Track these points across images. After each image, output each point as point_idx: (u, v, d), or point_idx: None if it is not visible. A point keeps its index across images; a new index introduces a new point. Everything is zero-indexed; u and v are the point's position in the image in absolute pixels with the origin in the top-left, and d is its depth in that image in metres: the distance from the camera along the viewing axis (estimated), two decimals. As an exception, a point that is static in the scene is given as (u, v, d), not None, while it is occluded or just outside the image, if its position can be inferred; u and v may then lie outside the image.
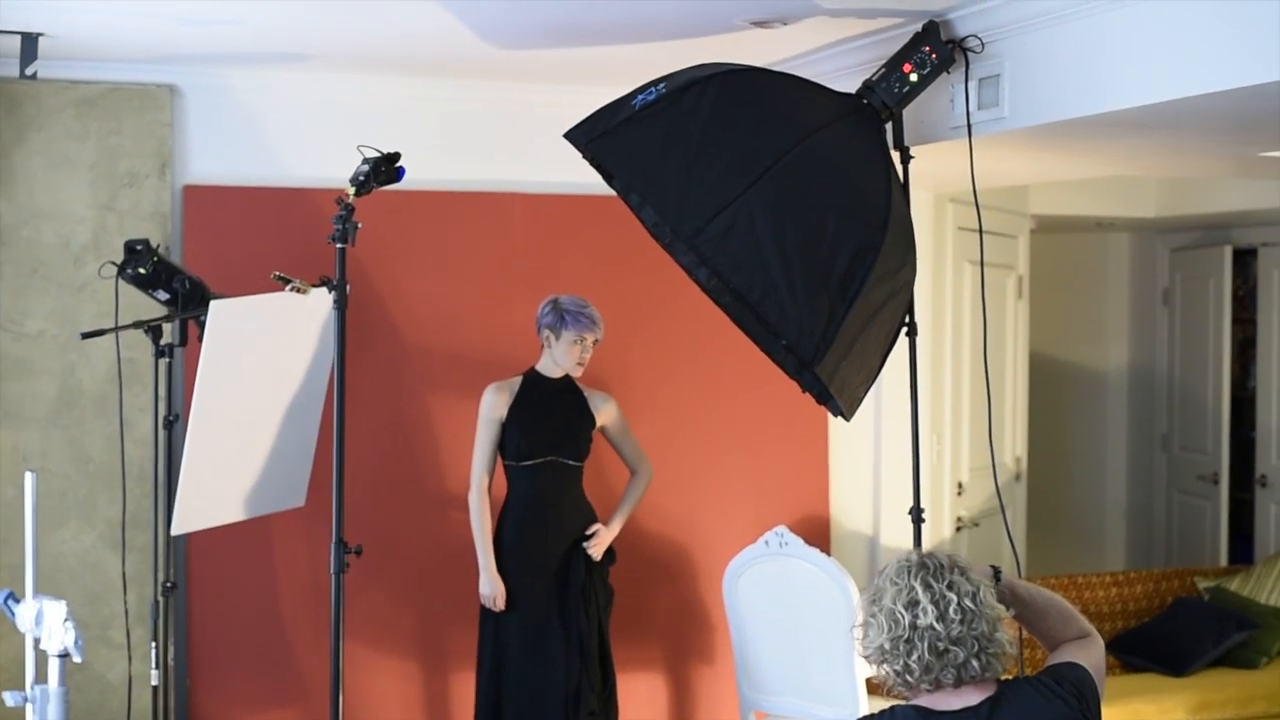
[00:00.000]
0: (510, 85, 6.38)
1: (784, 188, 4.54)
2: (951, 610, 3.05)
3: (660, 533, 6.51)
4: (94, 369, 5.93)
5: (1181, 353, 9.65)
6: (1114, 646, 7.39)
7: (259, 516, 5.68)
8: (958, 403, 7.45)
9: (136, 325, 5.33)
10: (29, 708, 2.41)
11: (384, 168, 4.89)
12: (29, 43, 5.29)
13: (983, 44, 4.92)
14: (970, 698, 3.07)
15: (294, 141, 6.24)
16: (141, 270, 5.26)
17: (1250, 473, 9.24)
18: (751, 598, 5.97)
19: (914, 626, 3.05)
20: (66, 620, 2.37)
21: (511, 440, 5.76)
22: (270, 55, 5.86)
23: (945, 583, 3.08)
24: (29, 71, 5.34)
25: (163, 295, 5.34)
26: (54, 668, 2.37)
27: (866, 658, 3.16)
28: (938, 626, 3.04)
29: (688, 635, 6.61)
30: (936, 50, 4.91)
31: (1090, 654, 3.29)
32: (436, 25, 5.21)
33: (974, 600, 3.08)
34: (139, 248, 5.27)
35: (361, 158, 4.87)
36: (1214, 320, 9.22)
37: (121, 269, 5.27)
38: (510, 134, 6.48)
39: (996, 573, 3.29)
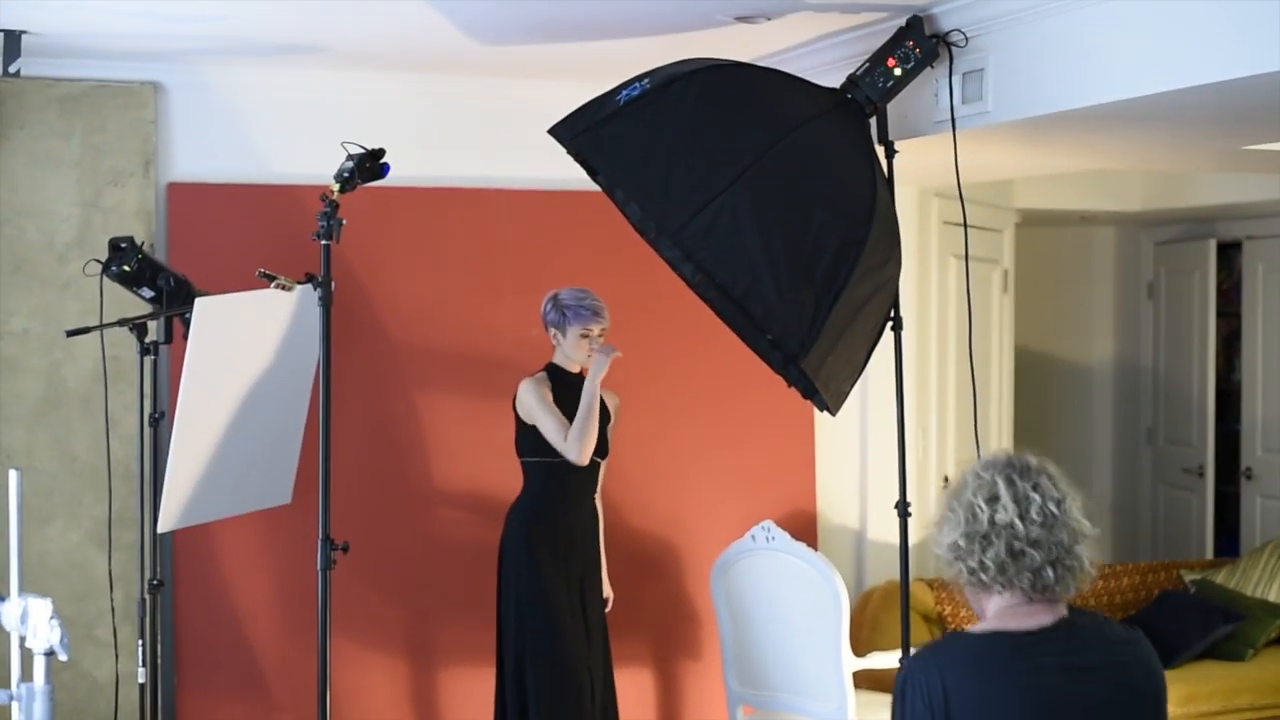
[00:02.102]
0: (495, 81, 6.38)
1: (768, 182, 4.55)
2: (1034, 511, 2.95)
3: (647, 528, 6.51)
4: (79, 367, 5.92)
5: (1166, 346, 9.67)
6: (1100, 639, 7.40)
7: (245, 514, 5.68)
8: (943, 397, 7.46)
9: (121, 323, 5.32)
10: (14, 706, 2.41)
11: (368, 164, 4.88)
12: (12, 40, 5.29)
13: (966, 38, 4.93)
14: (1043, 618, 2.97)
15: (278, 138, 6.23)
16: (126, 268, 5.25)
17: (1235, 465, 9.26)
18: (739, 592, 5.98)
19: (992, 522, 2.95)
20: (52, 618, 2.37)
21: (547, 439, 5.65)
22: (254, 52, 5.85)
23: (1031, 483, 2.98)
24: (12, 69, 5.33)
25: (147, 293, 5.33)
26: (40, 666, 2.37)
27: (939, 554, 3.06)
28: (1017, 524, 2.94)
29: (675, 630, 6.62)
30: (920, 45, 4.92)
31: None
32: (421, 21, 5.21)
33: (1058, 506, 2.97)
34: (123, 245, 5.26)
35: (346, 154, 4.87)
36: (1199, 314, 9.25)
37: (106, 266, 5.26)
38: (495, 130, 6.48)
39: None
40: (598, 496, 5.85)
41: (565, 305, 5.66)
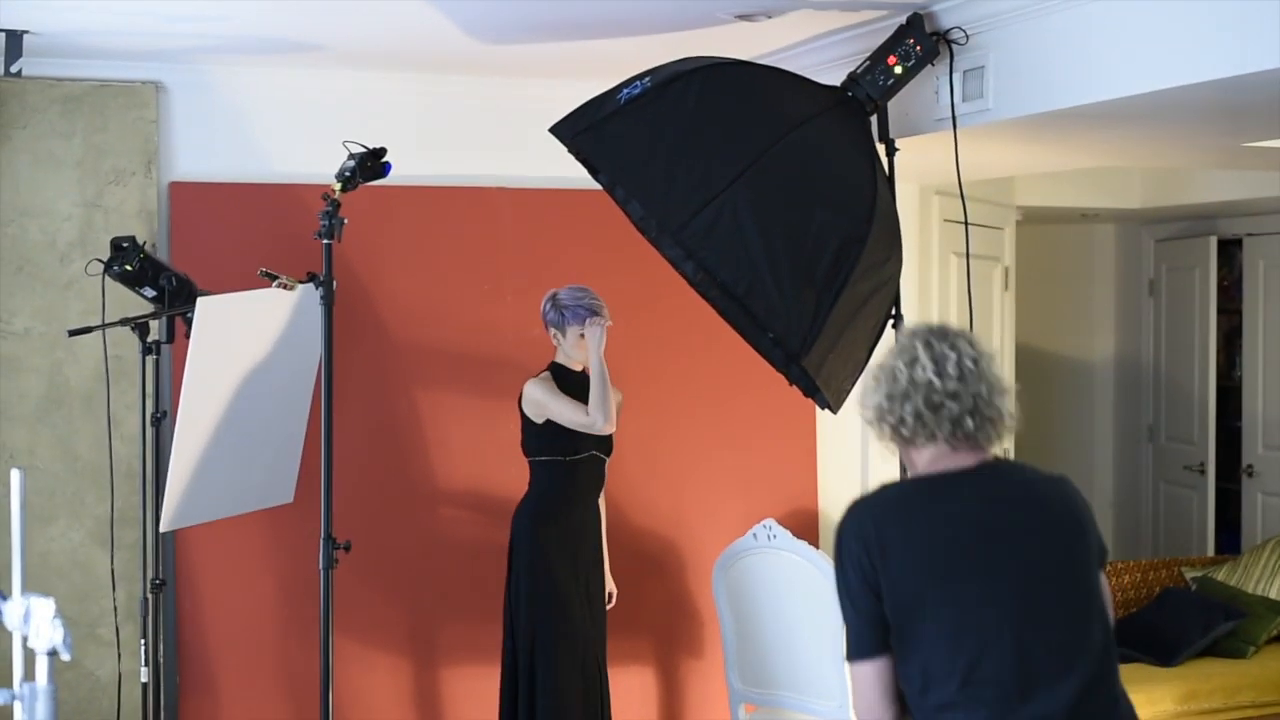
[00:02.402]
0: (496, 80, 6.38)
1: (769, 181, 4.55)
2: (950, 367, 3.12)
3: (649, 527, 6.52)
4: (81, 366, 5.93)
5: (1167, 343, 9.67)
6: (1102, 637, 7.41)
7: (247, 513, 5.68)
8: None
9: (123, 322, 5.33)
10: (17, 705, 2.41)
11: (370, 163, 4.89)
12: (14, 40, 5.29)
13: (967, 36, 4.93)
14: (967, 462, 3.15)
15: (280, 137, 6.23)
16: (128, 267, 5.26)
17: (1237, 462, 9.25)
18: (740, 591, 5.98)
19: (911, 381, 3.13)
20: (54, 618, 2.37)
21: (559, 436, 5.62)
22: (256, 51, 5.86)
23: (948, 344, 3.15)
24: (14, 69, 5.33)
25: (149, 292, 5.34)
26: (42, 666, 2.37)
27: (866, 419, 3.22)
28: (935, 381, 3.11)
29: (677, 629, 6.62)
30: (921, 43, 4.93)
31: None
32: (422, 20, 5.21)
33: (975, 363, 3.14)
34: (125, 245, 5.27)
35: (347, 153, 4.87)
36: (1199, 311, 9.24)
37: (108, 266, 5.27)
38: (496, 129, 6.48)
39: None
40: (602, 496, 5.85)
41: (564, 305, 5.65)
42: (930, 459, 3.18)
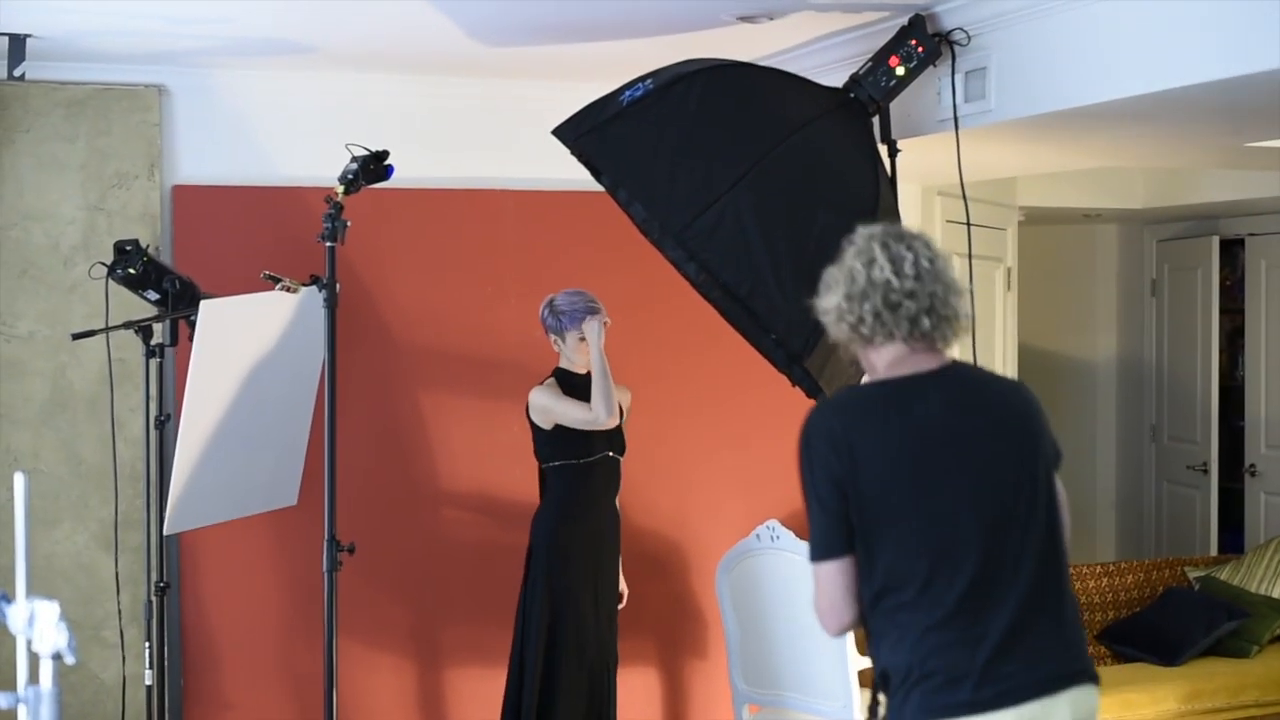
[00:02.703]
0: (498, 82, 6.39)
1: (771, 182, 4.56)
2: (907, 267, 3.18)
3: (652, 528, 6.52)
4: (85, 370, 5.93)
5: (1170, 343, 9.67)
6: (1105, 637, 7.41)
7: (251, 515, 5.69)
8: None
9: (127, 325, 5.34)
10: (21, 709, 2.42)
11: (373, 166, 4.90)
12: (17, 44, 5.30)
13: (969, 37, 4.94)
14: (927, 365, 3.23)
15: (282, 140, 6.24)
16: (131, 270, 5.26)
17: (1239, 462, 9.26)
18: (744, 591, 5.99)
19: (869, 280, 3.19)
20: (59, 621, 2.38)
21: (571, 440, 5.61)
22: (259, 54, 5.86)
23: (905, 245, 3.22)
24: (17, 73, 5.34)
25: (153, 295, 5.34)
26: (46, 669, 2.37)
27: (825, 320, 3.29)
28: (892, 280, 3.17)
29: (680, 630, 6.62)
30: (923, 44, 4.94)
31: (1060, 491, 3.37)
32: (425, 23, 5.22)
33: (931, 263, 3.21)
34: (129, 248, 5.27)
35: (350, 156, 4.88)
36: (1202, 311, 9.24)
37: (111, 269, 5.27)
38: (499, 131, 6.49)
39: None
40: (617, 497, 5.85)
41: (561, 310, 5.64)
42: (890, 360, 3.24)
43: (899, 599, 3.15)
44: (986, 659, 3.11)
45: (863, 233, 3.27)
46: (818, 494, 3.20)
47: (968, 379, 3.30)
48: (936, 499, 3.15)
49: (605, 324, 5.62)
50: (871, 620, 3.20)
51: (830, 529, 3.18)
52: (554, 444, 5.63)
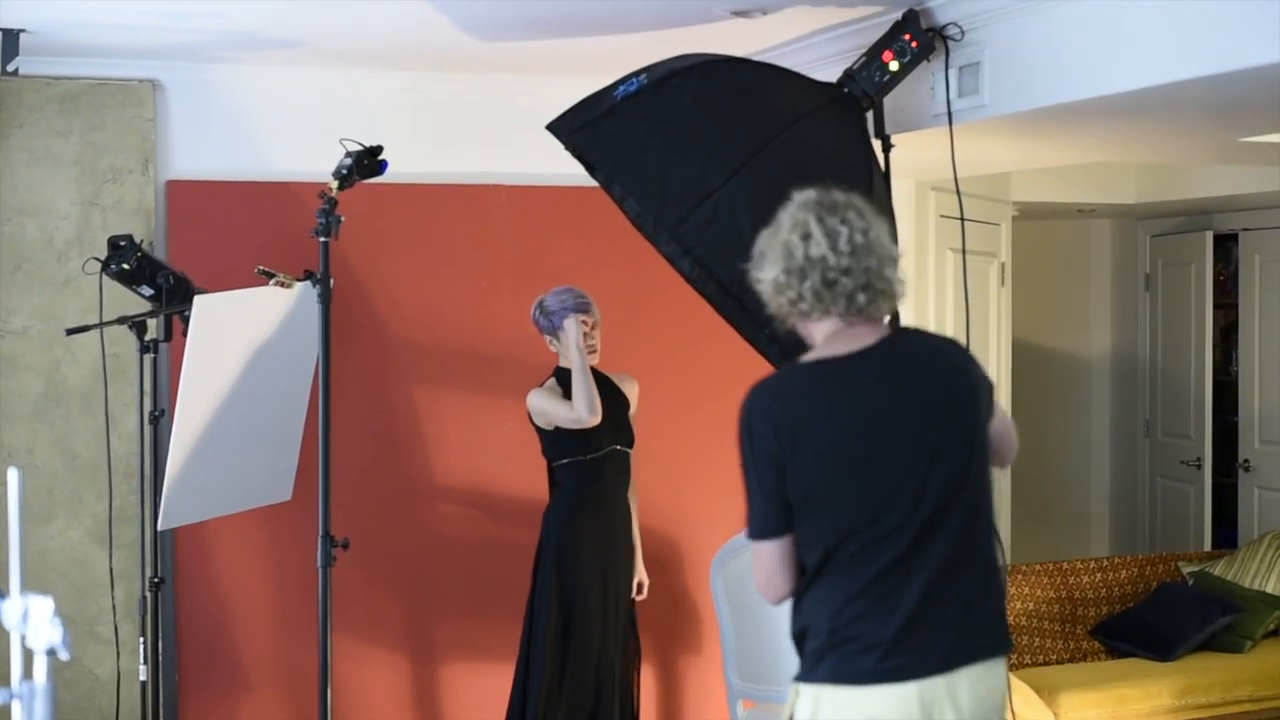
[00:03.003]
0: (492, 77, 6.39)
1: (766, 177, 4.56)
2: (842, 242, 3.22)
3: (647, 523, 6.51)
4: (79, 365, 5.93)
5: (1164, 338, 9.68)
6: (1099, 632, 7.42)
7: (246, 511, 5.69)
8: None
9: (121, 321, 5.34)
10: (16, 704, 2.42)
11: (366, 161, 4.90)
12: (10, 39, 5.29)
13: (963, 32, 4.94)
14: (866, 339, 3.28)
15: (276, 135, 6.24)
16: (125, 266, 5.26)
17: (1233, 457, 9.27)
18: (738, 587, 5.98)
19: (807, 257, 3.23)
20: (53, 616, 2.38)
21: (575, 438, 5.60)
22: (252, 49, 5.86)
23: (839, 218, 3.24)
24: (10, 68, 5.33)
25: (147, 291, 5.34)
26: (41, 664, 2.37)
27: (760, 290, 3.32)
28: (829, 256, 3.21)
29: (675, 625, 6.63)
30: (917, 38, 4.93)
31: (1000, 416, 3.48)
32: (418, 18, 5.22)
33: (865, 235, 3.24)
34: (123, 243, 5.27)
35: (344, 151, 4.88)
36: (1196, 306, 9.25)
37: (105, 265, 5.27)
38: (493, 126, 6.49)
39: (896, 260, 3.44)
40: (630, 490, 5.84)
41: (551, 310, 5.62)
42: (828, 333, 3.29)
43: (829, 568, 3.25)
44: (898, 629, 3.21)
45: (797, 200, 3.31)
46: (758, 475, 3.27)
47: (904, 352, 3.34)
48: (872, 477, 3.22)
49: (591, 321, 5.62)
50: (801, 583, 3.31)
51: (770, 509, 3.26)
52: (558, 443, 5.63)
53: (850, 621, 3.23)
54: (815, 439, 3.22)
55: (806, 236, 3.24)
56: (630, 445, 5.76)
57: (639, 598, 5.90)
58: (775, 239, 3.29)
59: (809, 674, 3.31)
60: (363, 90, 6.28)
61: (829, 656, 3.26)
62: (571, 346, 5.54)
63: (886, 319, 3.38)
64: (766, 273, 3.30)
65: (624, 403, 5.78)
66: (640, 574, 5.92)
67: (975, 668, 3.26)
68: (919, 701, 3.22)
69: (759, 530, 3.29)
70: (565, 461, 5.64)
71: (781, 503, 3.25)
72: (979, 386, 3.36)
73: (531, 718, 5.59)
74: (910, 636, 3.22)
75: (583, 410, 5.50)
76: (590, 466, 5.64)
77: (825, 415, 3.25)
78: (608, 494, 5.70)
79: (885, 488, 3.23)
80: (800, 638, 3.34)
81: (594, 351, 5.66)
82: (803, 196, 3.32)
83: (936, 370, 3.34)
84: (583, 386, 5.50)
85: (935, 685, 3.22)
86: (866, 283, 3.24)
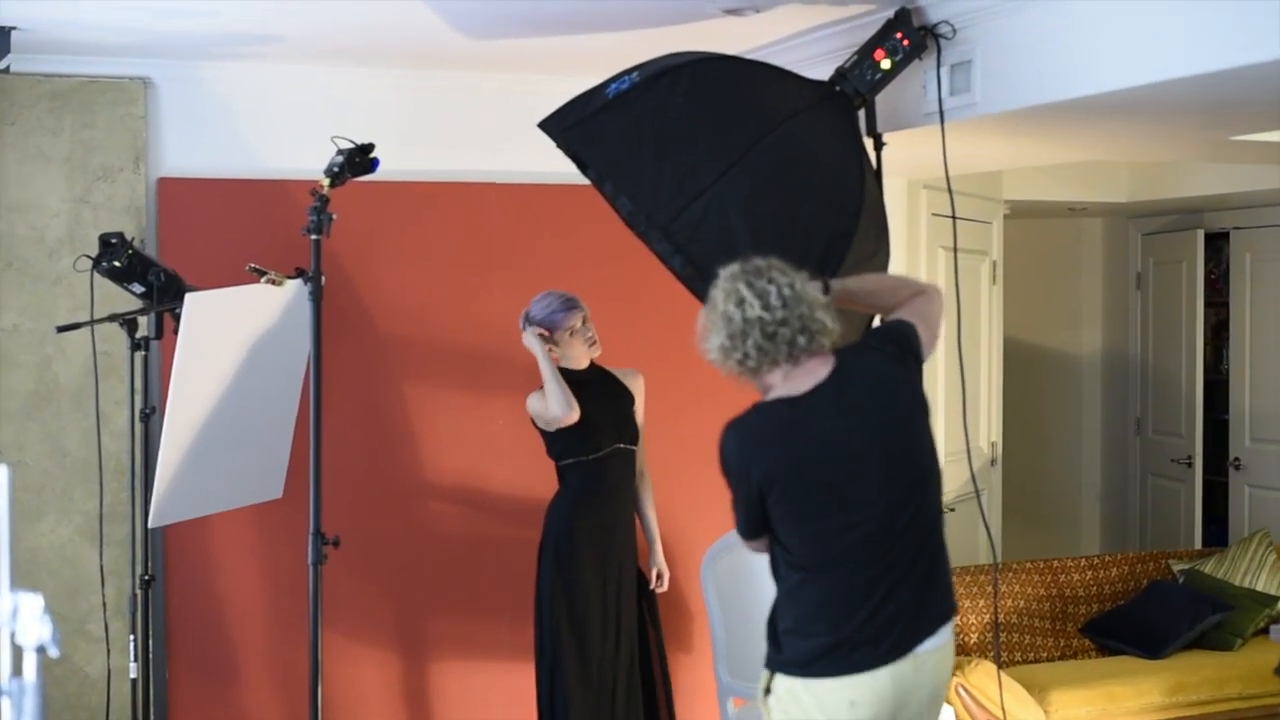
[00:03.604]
0: (484, 75, 6.38)
1: (757, 175, 4.56)
2: (773, 299, 3.65)
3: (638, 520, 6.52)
4: (70, 362, 5.93)
5: (1155, 337, 9.69)
6: (1090, 630, 7.43)
7: (237, 508, 5.68)
8: (932, 389, 7.41)
9: (112, 319, 5.33)
10: (5, 701, 2.42)
11: (358, 159, 4.89)
12: (1, 36, 5.28)
13: (954, 30, 4.94)
14: (819, 373, 3.71)
15: (268, 133, 6.23)
16: (116, 263, 5.25)
17: (1224, 456, 9.28)
18: (729, 584, 5.99)
19: (745, 319, 3.66)
20: (43, 614, 2.38)
21: (576, 438, 5.61)
22: (244, 47, 5.85)
23: (766, 279, 3.67)
24: (1, 65, 5.33)
25: (138, 288, 5.33)
26: (30, 662, 2.37)
27: (712, 359, 3.76)
28: (764, 315, 3.65)
29: (666, 622, 6.60)
30: (908, 37, 4.93)
31: (918, 306, 3.99)
32: (410, 15, 5.21)
33: (791, 289, 3.67)
34: (114, 241, 5.26)
35: (336, 149, 4.87)
36: (1187, 304, 9.26)
37: (96, 262, 5.26)
38: (484, 124, 6.48)
39: (826, 286, 3.94)
40: (642, 483, 5.85)
41: (540, 320, 5.61)
42: (781, 377, 3.72)
43: (804, 575, 3.73)
44: (867, 623, 3.67)
45: (724, 275, 3.73)
46: (739, 498, 3.80)
47: (854, 380, 3.73)
48: (839, 494, 3.69)
49: (582, 316, 5.62)
50: (779, 575, 3.83)
51: (752, 519, 3.80)
52: (560, 443, 5.64)
53: (817, 619, 3.70)
54: (786, 467, 3.69)
55: (741, 302, 3.66)
56: (635, 443, 5.76)
57: (660, 589, 5.90)
58: (714, 313, 3.72)
59: (788, 668, 3.75)
60: (355, 88, 6.28)
61: (807, 652, 3.71)
62: (537, 354, 5.55)
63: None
64: (713, 343, 3.73)
65: (628, 400, 5.78)
66: (660, 564, 5.92)
67: (932, 640, 3.74)
68: (891, 685, 3.68)
69: (745, 533, 3.88)
70: (570, 461, 5.65)
71: (761, 517, 3.77)
72: (915, 390, 3.84)
73: (561, 714, 5.59)
74: (878, 628, 3.67)
75: (555, 409, 5.51)
76: (593, 466, 5.64)
77: (792, 445, 3.70)
78: (611, 493, 5.70)
79: (853, 503, 3.68)
80: (778, 633, 3.79)
81: (594, 343, 5.70)
82: (728, 271, 3.73)
83: (883, 389, 3.78)
84: (553, 389, 5.52)
85: (904, 669, 3.68)
86: (803, 327, 3.66)
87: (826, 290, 3.93)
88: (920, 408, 3.85)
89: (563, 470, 5.70)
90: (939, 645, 3.77)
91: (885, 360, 3.81)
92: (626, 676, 5.72)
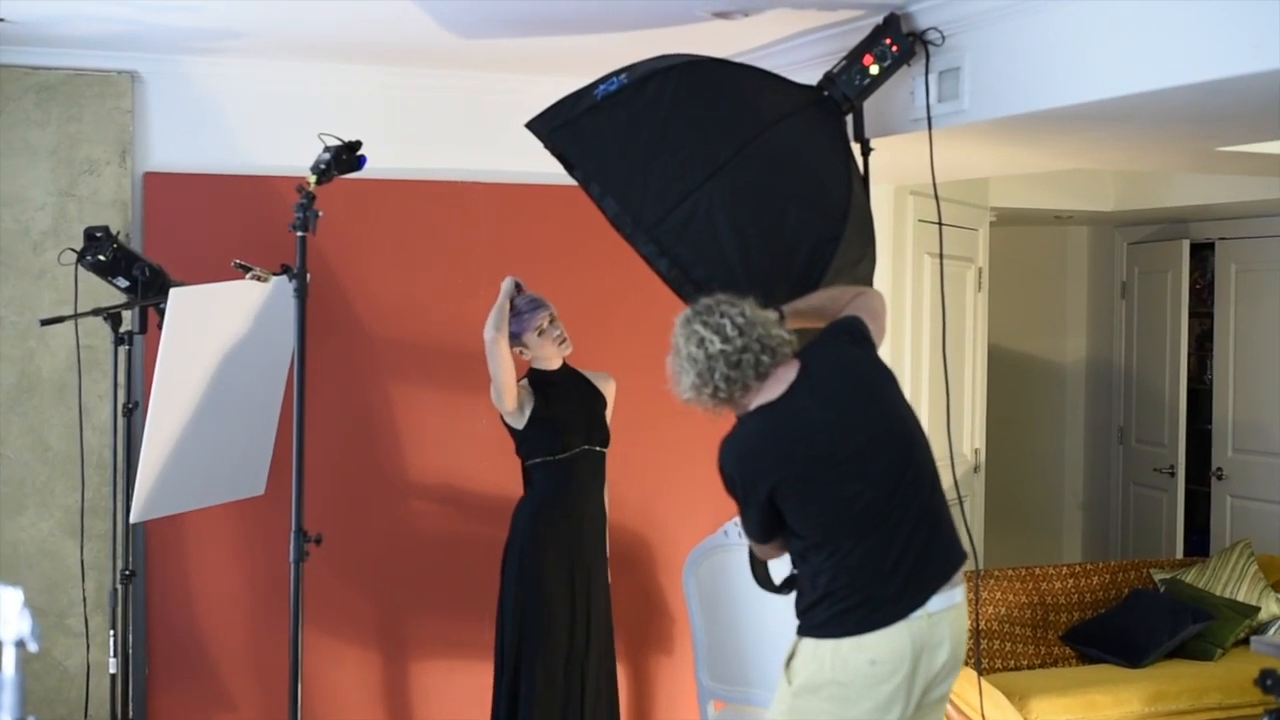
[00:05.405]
0: (472, 74, 6.38)
1: (745, 178, 4.56)
2: (729, 330, 3.92)
3: (620, 522, 6.52)
4: (53, 356, 5.91)
5: (1139, 346, 9.71)
6: (1070, 638, 7.44)
7: (218, 504, 5.67)
8: (917, 395, 7.48)
9: (96, 312, 5.32)
10: (-15, 695, 2.41)
11: (345, 156, 4.88)
12: (-12, 28, 5.28)
13: (943, 37, 4.94)
14: (788, 376, 3.95)
15: (255, 129, 6.22)
16: (101, 257, 5.24)
17: (1206, 465, 9.30)
18: (711, 587, 5.99)
19: (708, 356, 3.93)
20: (22, 608, 2.37)
21: (544, 437, 5.60)
22: (232, 42, 5.84)
23: (718, 314, 3.95)
24: (-12, 57, 5.32)
25: (122, 282, 5.32)
26: (9, 656, 2.36)
27: (686, 399, 4.02)
28: (724, 347, 3.92)
29: (647, 625, 6.63)
30: (897, 43, 4.93)
31: (861, 304, 4.24)
32: (399, 13, 5.21)
33: (743, 316, 3.94)
34: (99, 235, 5.25)
35: (323, 146, 4.87)
36: (1171, 314, 9.28)
37: (81, 256, 5.25)
38: (472, 123, 6.48)
39: (781, 316, 4.14)
40: (606, 489, 5.82)
41: (510, 332, 5.61)
42: (755, 395, 3.98)
43: (820, 553, 3.96)
44: (884, 583, 3.90)
45: (679, 321, 4.01)
46: (749, 509, 4.06)
47: (820, 368, 4.00)
48: (840, 488, 3.91)
49: (549, 315, 5.60)
50: (798, 562, 4.06)
51: (765, 523, 4.05)
52: (530, 442, 5.63)
53: (844, 585, 3.91)
54: (786, 465, 3.94)
55: (701, 342, 3.93)
56: (605, 445, 5.75)
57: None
58: (679, 358, 3.99)
59: (814, 630, 3.98)
60: (343, 85, 6.27)
61: (829, 615, 3.94)
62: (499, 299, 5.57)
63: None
64: (684, 384, 3.99)
65: (600, 402, 5.77)
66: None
67: (945, 596, 3.95)
68: (910, 643, 3.89)
69: (754, 536, 4.16)
70: (537, 460, 5.64)
71: (769, 515, 4.01)
72: (878, 363, 4.10)
73: (524, 718, 5.57)
74: (893, 587, 3.90)
75: (498, 399, 5.55)
76: (560, 466, 5.63)
77: (786, 444, 3.95)
78: (579, 494, 5.68)
79: (850, 478, 3.91)
80: (805, 608, 4.02)
81: (565, 341, 5.68)
82: (681, 317, 4.01)
83: (849, 372, 4.03)
84: (491, 375, 5.53)
85: (920, 627, 3.90)
86: (763, 347, 3.94)
87: (781, 317, 4.14)
88: (888, 378, 4.10)
89: (530, 470, 5.68)
90: (953, 604, 3.98)
91: (842, 345, 4.07)
92: (595, 677, 5.71)
